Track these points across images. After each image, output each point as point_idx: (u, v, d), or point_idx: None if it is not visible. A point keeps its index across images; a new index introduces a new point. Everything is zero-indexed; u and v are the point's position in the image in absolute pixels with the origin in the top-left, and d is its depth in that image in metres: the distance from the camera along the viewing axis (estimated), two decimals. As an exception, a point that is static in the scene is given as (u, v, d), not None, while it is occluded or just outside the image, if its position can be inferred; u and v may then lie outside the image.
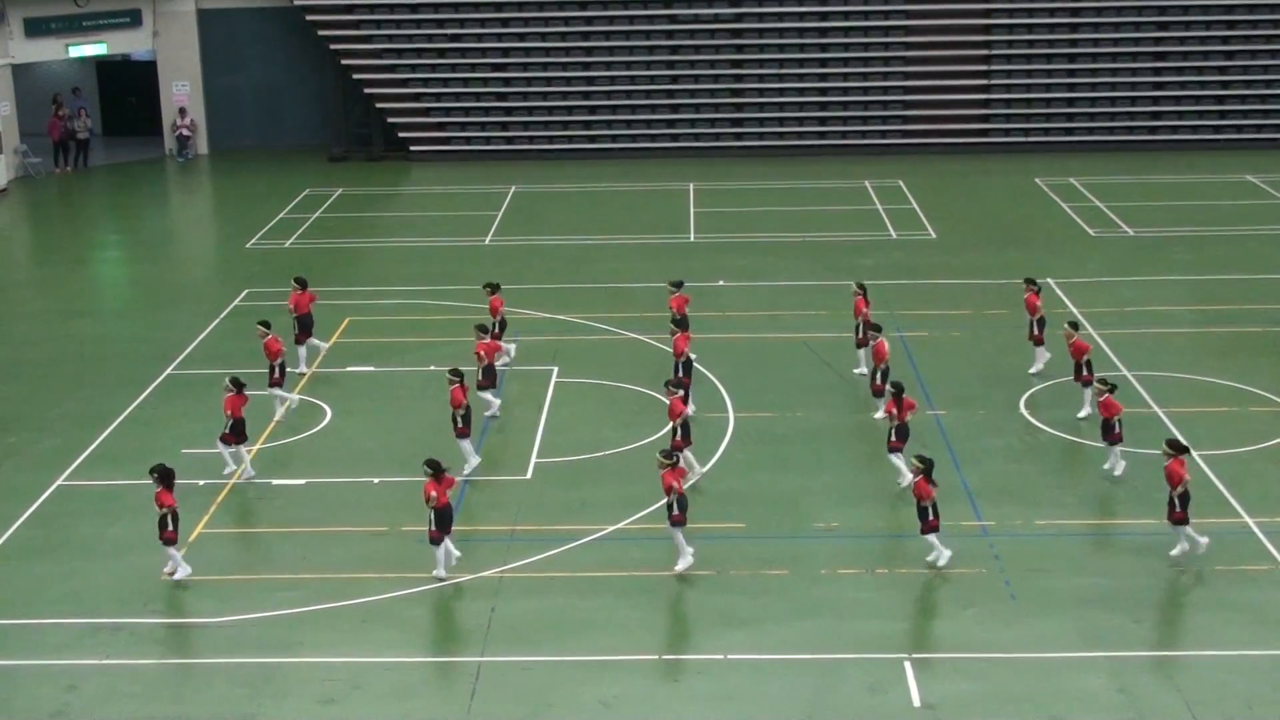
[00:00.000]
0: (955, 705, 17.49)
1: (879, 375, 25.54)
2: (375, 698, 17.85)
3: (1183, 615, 19.73)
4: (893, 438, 23.11)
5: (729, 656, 18.61)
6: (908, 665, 18.29)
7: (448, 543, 20.48)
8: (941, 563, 20.47)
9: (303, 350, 28.47)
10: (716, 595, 20.08)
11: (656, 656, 18.64)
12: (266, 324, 26.39)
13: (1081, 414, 25.45)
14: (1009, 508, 22.45)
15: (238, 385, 23.71)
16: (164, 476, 20.59)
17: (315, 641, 19.09)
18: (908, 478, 22.32)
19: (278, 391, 26.16)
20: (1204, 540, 20.54)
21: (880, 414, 25.27)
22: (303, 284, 28.66)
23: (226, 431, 23.69)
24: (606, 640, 19.00)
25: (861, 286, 27.83)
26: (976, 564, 20.73)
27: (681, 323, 27.29)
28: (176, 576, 20.55)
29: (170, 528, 20.45)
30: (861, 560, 20.96)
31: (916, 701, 17.58)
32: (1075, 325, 26.31)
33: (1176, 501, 20.40)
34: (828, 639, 18.91)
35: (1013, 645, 18.75)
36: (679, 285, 28.24)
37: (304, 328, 28.49)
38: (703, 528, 21.31)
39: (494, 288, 28.70)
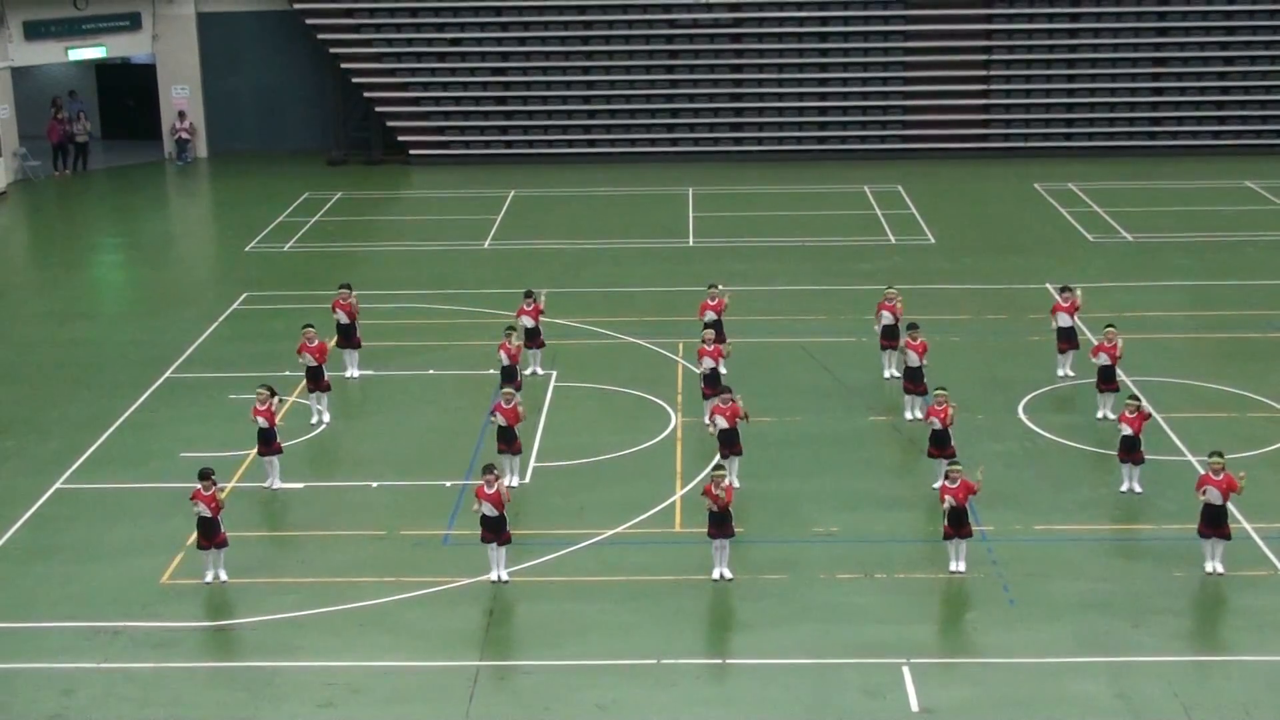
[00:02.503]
0: (954, 710, 17.48)
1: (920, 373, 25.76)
2: (374, 702, 17.84)
3: (1181, 620, 19.70)
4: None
5: (727, 661, 18.61)
6: (906, 670, 18.28)
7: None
8: (957, 568, 20.67)
9: (354, 355, 28.46)
10: (715, 599, 20.08)
11: (654, 661, 18.63)
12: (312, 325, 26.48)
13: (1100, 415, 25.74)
14: (1008, 513, 22.45)
15: (271, 392, 23.69)
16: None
17: (314, 646, 19.08)
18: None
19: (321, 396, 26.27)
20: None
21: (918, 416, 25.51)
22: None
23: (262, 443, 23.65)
24: (604, 644, 19.00)
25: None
26: (975, 568, 20.72)
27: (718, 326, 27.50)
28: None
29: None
30: (860, 565, 20.95)
31: (915, 706, 17.57)
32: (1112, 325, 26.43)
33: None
34: (826, 643, 18.91)
35: (1011, 650, 18.76)
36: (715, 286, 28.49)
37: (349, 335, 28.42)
38: (700, 532, 21.28)
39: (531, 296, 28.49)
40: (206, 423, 25.69)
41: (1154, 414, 22.16)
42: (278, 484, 23.60)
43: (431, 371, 28.45)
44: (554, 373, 28.42)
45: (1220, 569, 20.52)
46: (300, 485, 23.87)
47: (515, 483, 23.31)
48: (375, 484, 23.85)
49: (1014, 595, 20.08)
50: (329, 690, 18.06)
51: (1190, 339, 30.28)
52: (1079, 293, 28.11)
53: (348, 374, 28.22)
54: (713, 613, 19.80)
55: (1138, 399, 23.08)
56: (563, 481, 23.88)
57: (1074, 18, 49.85)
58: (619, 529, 22.11)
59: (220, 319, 32.30)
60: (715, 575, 20.45)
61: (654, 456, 24.52)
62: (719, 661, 18.60)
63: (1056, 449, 24.86)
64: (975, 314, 31.71)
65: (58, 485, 23.99)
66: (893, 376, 27.49)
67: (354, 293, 28.46)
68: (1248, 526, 21.80)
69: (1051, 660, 18.52)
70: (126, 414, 26.88)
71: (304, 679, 18.33)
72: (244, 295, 33.97)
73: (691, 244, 38.60)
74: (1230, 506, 20.84)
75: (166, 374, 28.88)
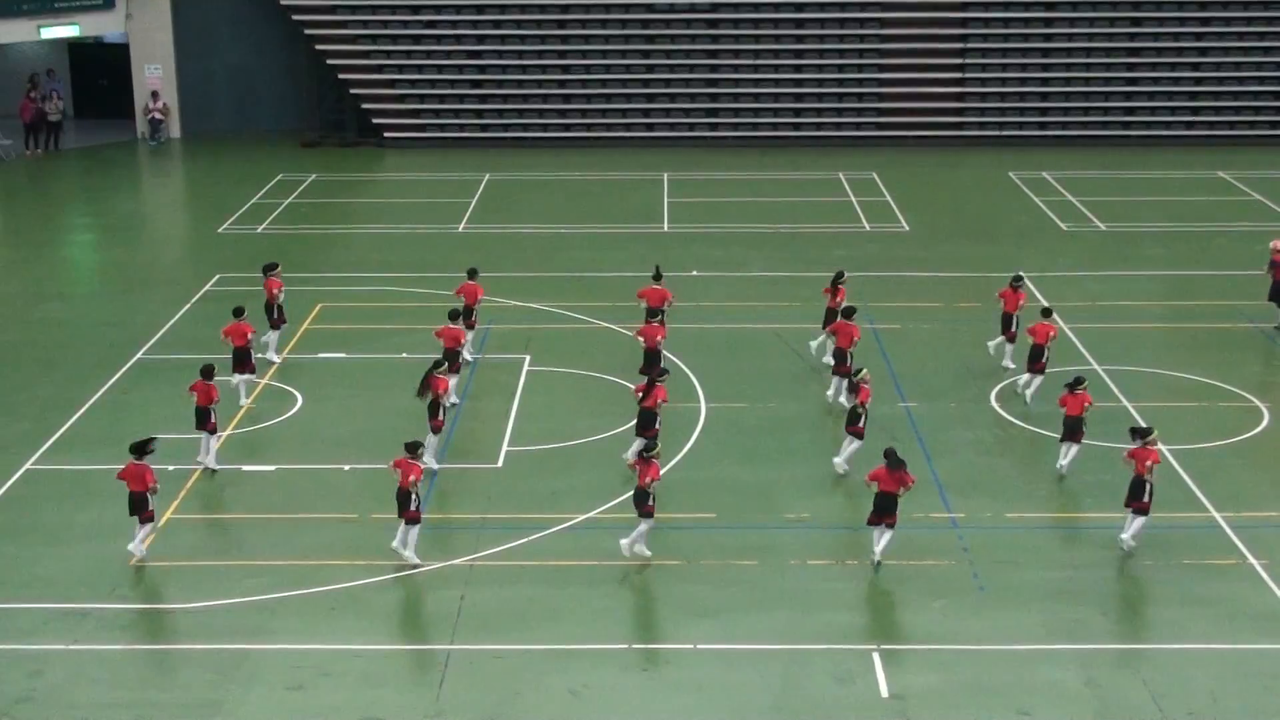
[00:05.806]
0: (923, 696, 17.55)
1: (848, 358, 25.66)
2: (344, 685, 17.82)
3: (1149, 608, 19.83)
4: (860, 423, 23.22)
5: (698, 646, 18.64)
6: (876, 656, 18.35)
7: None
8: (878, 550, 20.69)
9: (274, 336, 28.39)
10: (686, 585, 20.10)
11: (626, 646, 18.67)
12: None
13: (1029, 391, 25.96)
14: (978, 500, 22.53)
15: (206, 374, 23.54)
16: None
17: (284, 628, 19.05)
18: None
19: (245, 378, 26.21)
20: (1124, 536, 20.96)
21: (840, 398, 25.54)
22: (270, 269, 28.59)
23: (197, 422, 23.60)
24: (576, 629, 19.01)
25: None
26: (945, 556, 20.81)
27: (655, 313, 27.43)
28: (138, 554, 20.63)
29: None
30: (831, 551, 21.01)
31: (885, 692, 17.64)
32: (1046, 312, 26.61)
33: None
34: (796, 629, 18.96)
35: (981, 637, 18.83)
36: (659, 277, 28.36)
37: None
38: (673, 517, 21.34)
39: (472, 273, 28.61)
40: (178, 404, 25.51)
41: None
42: (212, 462, 23.56)
43: (405, 355, 28.38)
44: (527, 357, 28.40)
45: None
46: (272, 468, 23.82)
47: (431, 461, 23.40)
48: (347, 467, 23.81)
49: (984, 582, 20.16)
50: (299, 673, 18.04)
51: (1162, 328, 30.40)
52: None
53: (269, 355, 28.05)
54: (684, 598, 19.82)
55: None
56: (536, 466, 23.87)
57: (1049, 6, 49.97)
58: (591, 514, 22.11)
59: (193, 300, 32.17)
60: (647, 554, 20.58)
61: (627, 441, 24.49)
62: (690, 647, 18.63)
63: (1028, 437, 24.95)
64: (948, 302, 31.77)
65: (28, 466, 23.87)
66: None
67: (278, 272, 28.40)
68: (1216, 515, 21.92)
69: (1021, 647, 18.60)
70: (98, 395, 26.77)
71: (274, 661, 18.30)
72: (217, 276, 33.83)
73: (666, 229, 38.58)
74: (1197, 491, 20.95)
75: (138, 355, 28.76)
